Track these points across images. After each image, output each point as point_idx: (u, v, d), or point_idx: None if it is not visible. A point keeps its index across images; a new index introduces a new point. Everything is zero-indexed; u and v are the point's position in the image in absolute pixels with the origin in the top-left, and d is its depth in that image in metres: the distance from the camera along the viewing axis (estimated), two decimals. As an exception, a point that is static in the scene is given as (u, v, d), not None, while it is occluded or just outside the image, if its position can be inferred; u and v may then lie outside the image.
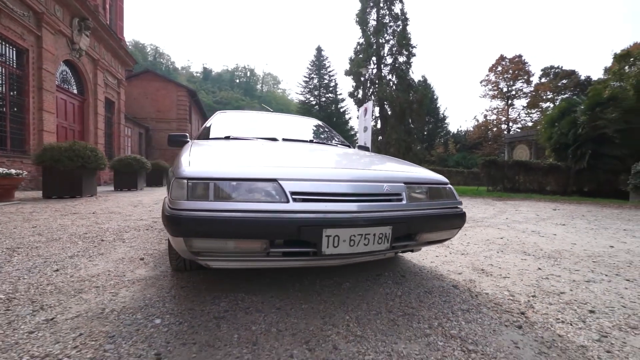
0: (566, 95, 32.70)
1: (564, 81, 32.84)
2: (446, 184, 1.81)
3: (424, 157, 33.59)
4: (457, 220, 1.76)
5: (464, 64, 72.14)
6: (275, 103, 63.08)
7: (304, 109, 36.06)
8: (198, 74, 70.99)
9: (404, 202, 1.57)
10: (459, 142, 38.61)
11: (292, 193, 1.36)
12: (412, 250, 1.84)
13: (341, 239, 1.35)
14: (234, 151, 2.00)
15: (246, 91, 68.92)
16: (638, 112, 14.23)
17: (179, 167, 1.45)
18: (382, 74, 24.69)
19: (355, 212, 1.39)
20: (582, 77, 31.66)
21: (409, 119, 23.80)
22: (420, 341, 1.31)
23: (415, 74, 28.57)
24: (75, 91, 11.74)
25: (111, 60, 14.10)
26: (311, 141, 2.82)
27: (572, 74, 32.44)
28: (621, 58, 18.78)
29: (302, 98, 37.56)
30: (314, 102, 37.20)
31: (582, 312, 1.66)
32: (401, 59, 24.37)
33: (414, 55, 24.35)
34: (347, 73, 24.96)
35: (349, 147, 2.98)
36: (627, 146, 13.61)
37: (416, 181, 1.71)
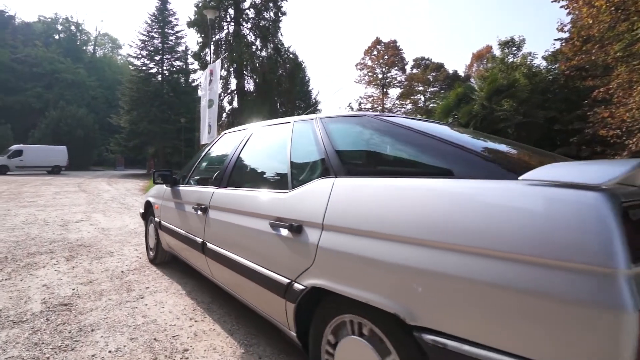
0: (435, 89, 32.62)
1: (434, 73, 32.64)
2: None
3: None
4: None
5: (335, 44, 71.27)
6: (111, 71, 48.52)
7: (140, 79, 25.93)
8: (-13, 19, 48.77)
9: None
10: (336, 131, 35.17)
11: None
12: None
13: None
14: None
15: (69, 51, 50.86)
16: (532, 104, 12.74)
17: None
18: (242, 33, 17.67)
19: None
20: (450, 71, 31.88)
21: (275, 97, 17.59)
22: None
23: (285, 45, 22.28)
24: None
25: None
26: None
27: (441, 67, 32.47)
28: (504, 45, 17.31)
29: (137, 63, 26.73)
30: (154, 71, 27.22)
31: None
32: (267, 14, 17.76)
33: (284, 13, 18.06)
34: (191, 24, 16.96)
35: None
36: (520, 141, 12.03)
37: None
